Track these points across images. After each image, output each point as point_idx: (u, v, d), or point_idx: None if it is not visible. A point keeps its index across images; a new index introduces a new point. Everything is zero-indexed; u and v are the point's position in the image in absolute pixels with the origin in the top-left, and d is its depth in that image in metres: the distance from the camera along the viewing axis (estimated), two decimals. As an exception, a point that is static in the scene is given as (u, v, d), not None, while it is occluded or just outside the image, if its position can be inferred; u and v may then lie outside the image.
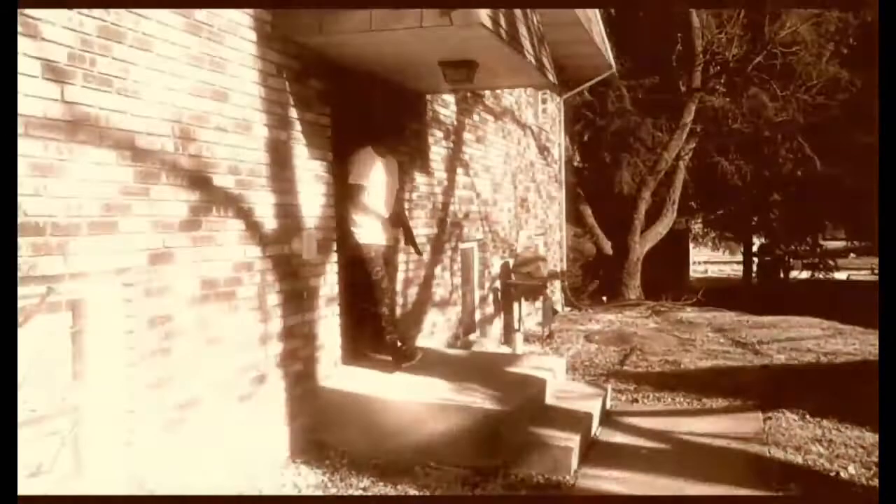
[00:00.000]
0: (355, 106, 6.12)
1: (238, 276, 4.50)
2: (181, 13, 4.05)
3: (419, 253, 6.57)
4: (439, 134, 7.74)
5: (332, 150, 5.58)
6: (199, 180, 4.17)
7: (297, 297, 5.10)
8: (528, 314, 10.82)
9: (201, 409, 4.20)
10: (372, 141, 5.94)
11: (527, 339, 9.90)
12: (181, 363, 4.05)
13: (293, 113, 5.04)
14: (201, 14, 4.20)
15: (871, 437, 5.75)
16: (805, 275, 24.95)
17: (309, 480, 4.73)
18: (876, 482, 4.84)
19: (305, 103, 5.17)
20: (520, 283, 9.95)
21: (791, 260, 24.77)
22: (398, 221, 6.24)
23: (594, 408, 5.88)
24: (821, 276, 24.84)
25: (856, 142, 16.21)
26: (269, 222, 4.80)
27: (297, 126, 5.09)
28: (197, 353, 4.17)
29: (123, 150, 3.65)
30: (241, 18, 4.55)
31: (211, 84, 4.27)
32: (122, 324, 3.72)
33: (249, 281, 4.61)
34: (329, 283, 5.48)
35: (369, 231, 5.88)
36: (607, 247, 17.07)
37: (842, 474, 5.00)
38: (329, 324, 5.51)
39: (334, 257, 5.58)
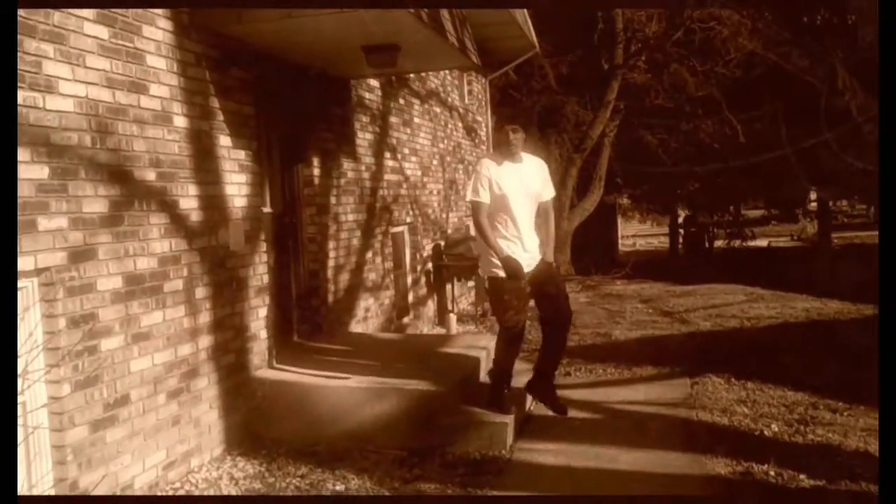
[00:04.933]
0: (279, 94, 6.06)
1: (164, 270, 4.44)
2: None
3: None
4: (365, 119, 7.72)
5: (257, 138, 5.53)
6: (119, 174, 4.10)
7: (227, 289, 5.06)
8: (461, 294, 10.90)
9: (131, 406, 4.16)
10: (297, 128, 5.88)
11: (461, 320, 10.00)
12: (108, 361, 3.99)
13: (215, 103, 4.98)
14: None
15: (792, 396, 6.03)
16: (729, 244, 25.67)
17: (247, 471, 4.71)
18: (798, 439, 5.08)
19: (227, 93, 5.10)
20: (452, 264, 10.00)
21: (714, 230, 25.44)
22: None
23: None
24: (743, 244, 25.58)
25: (774, 115, 16.73)
26: (195, 214, 4.74)
27: (220, 116, 5.02)
28: (124, 350, 4.11)
29: (38, 147, 3.57)
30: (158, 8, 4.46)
31: (128, 76, 4.19)
32: (44, 324, 3.64)
33: (176, 274, 4.55)
34: (258, 273, 5.44)
35: (497, 263, 4.98)
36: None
37: (765, 432, 5.23)
38: (260, 314, 5.47)
39: (263, 247, 5.54)
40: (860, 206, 43.35)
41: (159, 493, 4.34)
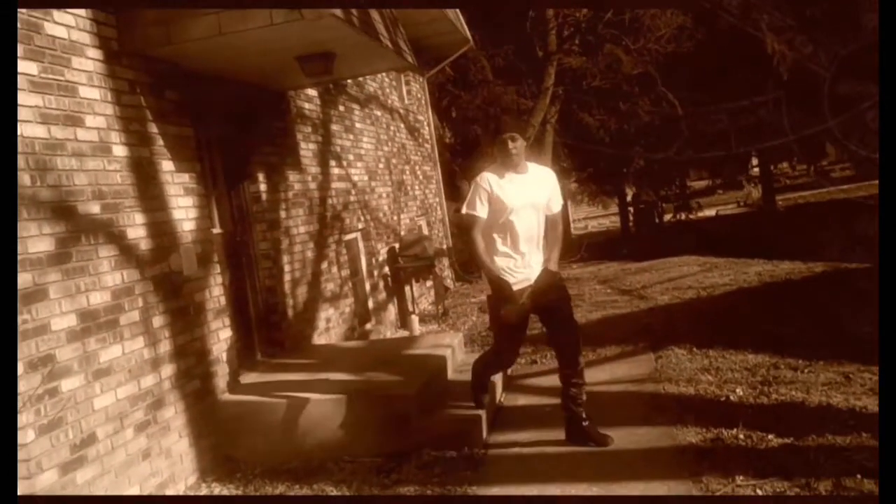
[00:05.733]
0: (218, 112, 6.01)
1: (119, 303, 4.38)
2: (20, 40, 3.87)
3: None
4: (307, 129, 7.69)
5: (199, 159, 5.48)
6: (62, 210, 4.03)
7: (184, 315, 5.01)
8: (421, 295, 10.92)
9: (99, 445, 4.09)
10: (239, 145, 5.84)
11: (423, 320, 10.01)
12: (70, 402, 3.92)
13: (153, 128, 4.91)
14: (41, 40, 4.03)
15: (754, 359, 6.17)
16: (676, 217, 26.11)
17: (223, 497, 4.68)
18: (763, 400, 5.20)
19: (165, 116, 5.04)
20: (408, 266, 10.02)
21: (663, 205, 25.83)
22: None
23: (496, 375, 6.02)
24: (692, 215, 26.02)
25: (710, 85, 17.04)
26: (144, 243, 4.68)
27: (160, 141, 4.96)
28: (86, 388, 4.05)
29: (-25, 191, 3.49)
30: (85, 38, 4.38)
31: (62, 109, 4.12)
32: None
33: (131, 306, 4.49)
34: (215, 295, 5.39)
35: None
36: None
37: (731, 397, 5.34)
38: (221, 336, 5.42)
39: (217, 268, 5.50)
40: (801, 166, 44.36)
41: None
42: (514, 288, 4.68)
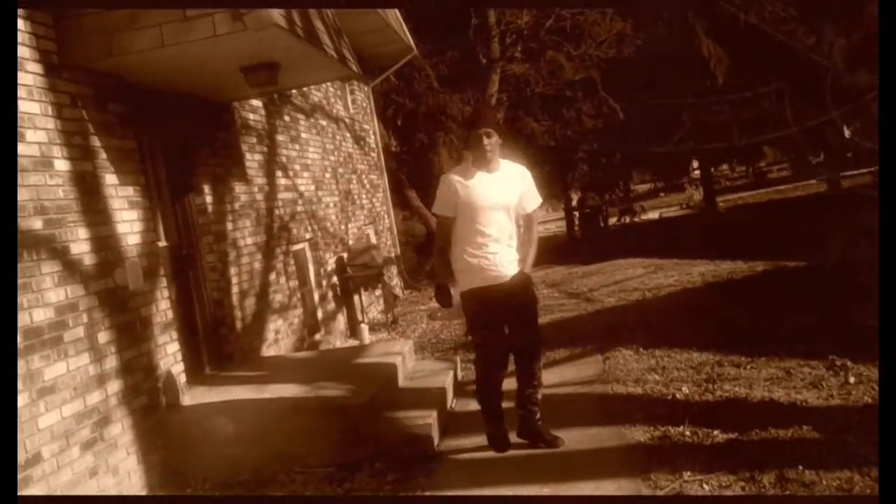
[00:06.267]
0: (161, 125, 5.96)
1: (62, 320, 4.31)
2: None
3: None
4: (252, 140, 7.65)
5: (143, 172, 5.42)
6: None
7: (131, 330, 4.94)
8: (371, 304, 10.91)
9: (44, 464, 4.01)
10: (184, 157, 5.78)
11: (373, 329, 10.02)
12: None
13: (96, 141, 4.85)
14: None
15: (698, 357, 6.32)
16: (621, 220, 26.55)
17: (175, 511, 4.63)
18: (708, 397, 5.33)
19: (107, 130, 4.98)
20: (357, 275, 10.01)
21: (607, 208, 26.22)
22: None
23: (446, 382, 6.07)
24: (636, 218, 26.46)
25: (652, 88, 17.37)
26: (88, 258, 4.62)
27: (102, 154, 4.90)
28: (30, 407, 3.97)
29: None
30: (25, 52, 4.31)
31: (-2, 124, 4.04)
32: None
33: (76, 322, 4.42)
34: (161, 309, 5.34)
35: (467, 276, 4.70)
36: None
37: (677, 395, 5.47)
38: (168, 350, 5.37)
39: (163, 282, 5.44)
40: (739, 168, 45.43)
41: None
42: (485, 286, 4.59)
